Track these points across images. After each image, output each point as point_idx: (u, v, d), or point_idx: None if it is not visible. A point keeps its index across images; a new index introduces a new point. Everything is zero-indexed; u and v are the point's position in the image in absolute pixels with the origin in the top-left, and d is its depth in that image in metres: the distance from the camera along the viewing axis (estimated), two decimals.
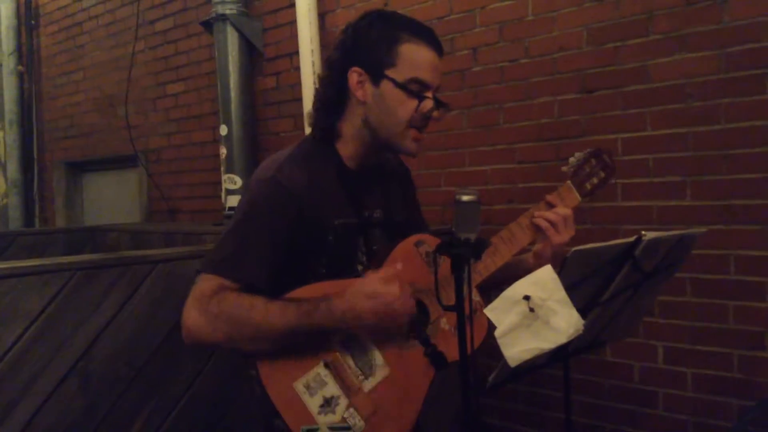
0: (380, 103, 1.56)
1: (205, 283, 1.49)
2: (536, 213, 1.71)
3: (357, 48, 1.58)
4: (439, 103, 1.60)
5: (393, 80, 1.54)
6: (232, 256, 1.51)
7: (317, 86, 1.69)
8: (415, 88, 1.55)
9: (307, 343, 1.49)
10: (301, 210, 1.53)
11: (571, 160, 1.78)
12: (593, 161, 1.80)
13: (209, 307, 1.45)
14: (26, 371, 2.04)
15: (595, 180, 1.79)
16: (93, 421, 2.17)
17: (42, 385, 2.07)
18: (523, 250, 1.75)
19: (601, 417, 2.80)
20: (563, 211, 1.69)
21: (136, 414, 2.27)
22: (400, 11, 3.24)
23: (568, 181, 1.77)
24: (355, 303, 1.44)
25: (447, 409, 2.77)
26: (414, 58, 1.55)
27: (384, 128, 1.58)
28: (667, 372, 2.62)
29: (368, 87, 1.57)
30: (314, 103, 1.68)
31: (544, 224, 1.68)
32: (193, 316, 1.46)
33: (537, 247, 1.73)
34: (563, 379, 1.96)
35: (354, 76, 1.57)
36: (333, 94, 1.62)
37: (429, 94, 1.57)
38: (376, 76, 1.55)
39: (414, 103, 1.55)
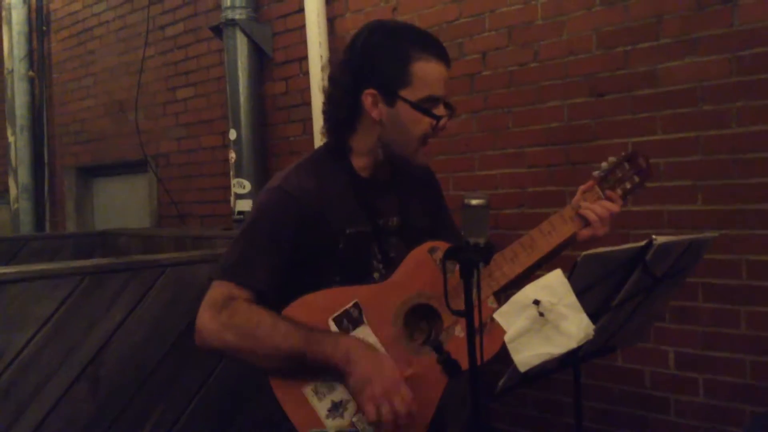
0: (395, 122, 1.58)
1: (217, 289, 1.52)
2: (584, 204, 1.70)
3: (368, 69, 1.58)
4: (448, 110, 1.62)
5: (407, 101, 1.56)
6: (239, 262, 1.54)
7: (326, 104, 1.68)
8: (429, 106, 1.57)
9: (306, 372, 1.49)
10: (308, 217, 1.54)
11: (604, 164, 1.74)
12: (626, 165, 1.75)
13: (220, 315, 1.48)
14: (36, 375, 2.04)
15: (627, 185, 1.75)
16: (102, 424, 2.18)
17: (52, 388, 2.07)
18: (544, 258, 1.72)
19: (611, 423, 2.77)
20: (610, 205, 1.69)
21: (146, 418, 2.27)
22: (408, 15, 3.28)
23: (596, 187, 1.73)
24: (361, 360, 1.46)
25: (457, 415, 2.76)
26: (427, 77, 1.56)
27: (398, 145, 1.60)
28: (678, 378, 2.60)
29: (382, 107, 1.58)
30: (326, 122, 1.68)
31: (592, 216, 1.68)
32: (205, 322, 1.50)
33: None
34: (574, 385, 1.95)
35: (368, 98, 1.58)
36: (345, 114, 1.62)
37: (441, 108, 1.59)
38: (390, 96, 1.56)
39: (428, 121, 1.57)
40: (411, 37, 1.60)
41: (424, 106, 1.56)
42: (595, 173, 1.74)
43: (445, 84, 1.59)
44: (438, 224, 1.83)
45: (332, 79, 1.68)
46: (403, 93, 1.55)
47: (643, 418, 2.69)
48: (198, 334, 1.51)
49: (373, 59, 1.58)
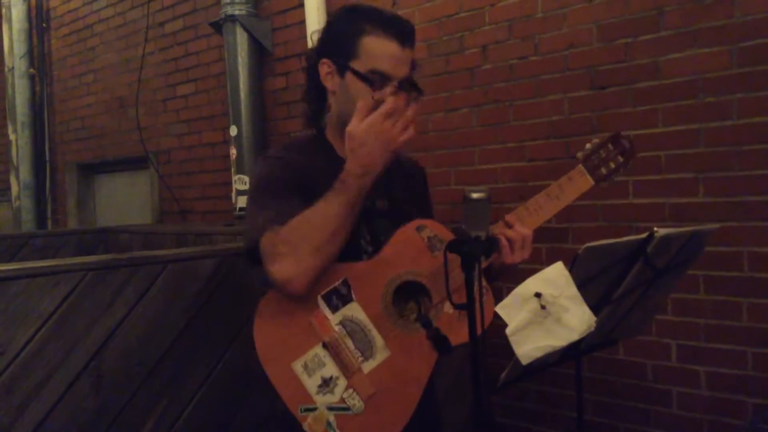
0: (344, 92, 1.63)
1: (262, 247, 1.51)
2: (498, 230, 1.66)
3: (326, 41, 1.67)
4: (411, 87, 1.62)
5: (354, 71, 1.60)
6: (261, 215, 1.54)
7: None
8: (375, 79, 1.59)
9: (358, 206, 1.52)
10: (303, 180, 1.60)
11: (587, 145, 1.76)
12: (610, 146, 1.77)
13: (278, 252, 1.48)
14: (38, 371, 2.05)
15: (612, 165, 1.76)
16: (105, 420, 2.18)
17: (54, 385, 2.08)
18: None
19: (614, 416, 2.78)
20: (523, 230, 1.65)
21: (148, 414, 2.28)
22: (409, 9, 3.27)
23: (580, 165, 1.74)
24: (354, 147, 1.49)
25: (461, 410, 2.76)
26: (374, 51, 1.59)
27: (348, 116, 1.60)
28: (680, 370, 2.60)
29: (336, 78, 1.64)
30: (303, 99, 1.77)
31: (501, 241, 1.63)
32: (278, 267, 1.48)
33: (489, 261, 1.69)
34: (575, 378, 1.95)
35: (323, 67, 1.66)
36: (311, 86, 1.71)
37: (391, 86, 1.59)
38: (341, 67, 1.62)
39: (374, 96, 1.58)
40: (370, 14, 1.65)
41: (370, 78, 1.59)
42: (579, 153, 1.76)
43: (395, 62, 1.60)
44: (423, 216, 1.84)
45: (304, 54, 1.80)
46: (352, 64, 1.60)
47: (646, 411, 2.69)
48: (282, 284, 1.49)
49: (331, 32, 1.68)
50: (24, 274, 2.06)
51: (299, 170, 1.61)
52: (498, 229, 1.65)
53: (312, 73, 1.69)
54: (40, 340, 2.06)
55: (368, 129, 1.47)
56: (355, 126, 1.48)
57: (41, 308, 2.07)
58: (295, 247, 1.48)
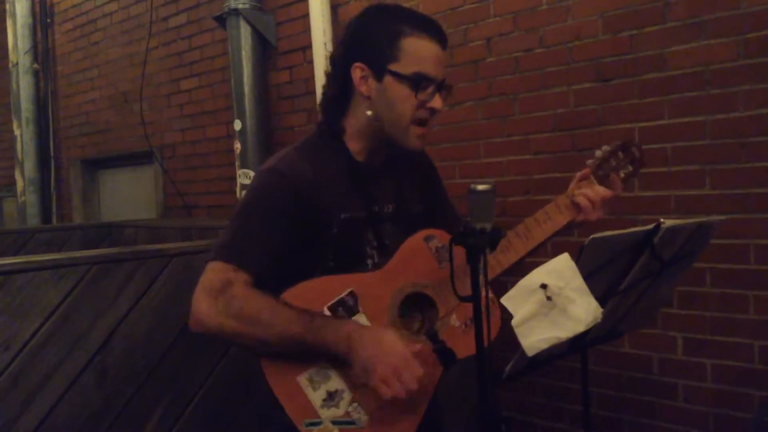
0: (384, 97, 1.56)
1: (213, 273, 1.50)
2: (576, 192, 1.70)
3: (359, 43, 1.58)
4: (443, 90, 1.59)
5: (396, 74, 1.53)
6: (235, 242, 1.52)
7: (324, 83, 1.70)
8: (419, 83, 1.54)
9: (307, 357, 1.48)
10: (304, 200, 1.53)
11: (597, 153, 1.74)
12: (621, 154, 1.75)
13: (218, 300, 1.46)
14: (43, 365, 2.05)
15: (622, 174, 1.75)
16: (110, 414, 2.18)
17: (59, 378, 2.08)
18: (540, 245, 1.71)
19: (619, 409, 2.77)
20: (603, 191, 1.70)
21: (153, 407, 2.28)
22: (413, 1, 3.26)
23: (591, 176, 1.73)
24: (363, 345, 1.44)
25: (467, 405, 2.76)
26: (417, 52, 1.54)
27: (388, 123, 1.58)
28: (686, 363, 2.59)
29: (372, 82, 1.56)
30: (321, 101, 1.69)
31: (583, 202, 1.69)
32: (203, 307, 1.47)
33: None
34: (581, 371, 1.94)
35: (357, 71, 1.57)
36: (337, 90, 1.62)
37: (431, 89, 1.56)
38: (379, 70, 1.55)
39: (417, 98, 1.54)
40: (404, 15, 1.59)
41: (414, 81, 1.53)
42: (590, 162, 1.75)
43: (437, 64, 1.56)
44: (435, 208, 1.82)
45: (330, 57, 1.69)
46: (392, 67, 1.53)
47: (651, 404, 2.69)
48: (194, 317, 1.48)
49: (363, 34, 1.59)
50: (29, 268, 2.06)
51: (301, 186, 1.53)
52: (579, 190, 1.70)
53: (339, 77, 1.61)
54: (44, 333, 2.06)
55: (403, 361, 1.42)
56: (403, 347, 1.44)
57: (46, 302, 2.08)
58: (228, 315, 1.45)
